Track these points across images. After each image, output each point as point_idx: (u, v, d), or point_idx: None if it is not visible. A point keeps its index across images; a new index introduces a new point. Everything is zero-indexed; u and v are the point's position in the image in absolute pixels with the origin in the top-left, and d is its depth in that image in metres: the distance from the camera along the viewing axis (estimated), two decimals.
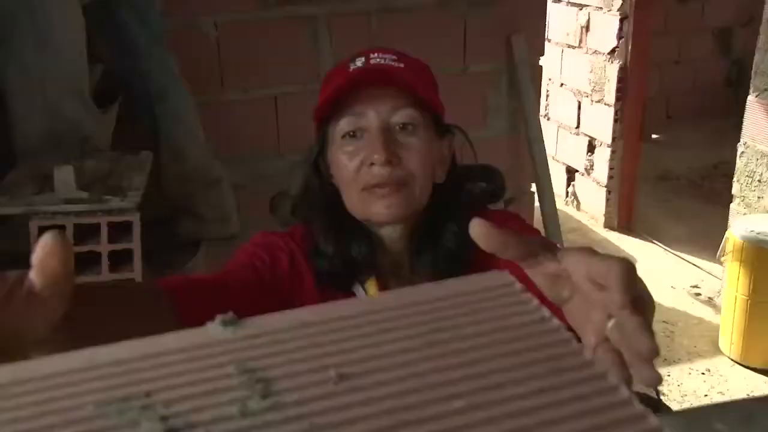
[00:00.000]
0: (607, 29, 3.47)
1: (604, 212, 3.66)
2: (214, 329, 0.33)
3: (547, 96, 3.96)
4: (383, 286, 0.92)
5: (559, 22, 3.76)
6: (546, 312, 0.38)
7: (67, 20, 1.41)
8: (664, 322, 2.78)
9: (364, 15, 2.19)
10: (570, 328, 0.59)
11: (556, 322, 0.37)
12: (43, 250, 0.43)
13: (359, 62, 0.90)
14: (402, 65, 0.90)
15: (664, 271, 3.16)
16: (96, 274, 1.07)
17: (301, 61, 2.18)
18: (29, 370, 0.31)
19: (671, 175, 4.25)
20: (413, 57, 0.95)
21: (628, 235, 3.59)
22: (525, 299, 0.39)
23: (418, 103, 0.90)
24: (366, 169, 0.88)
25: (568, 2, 3.70)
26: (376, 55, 0.91)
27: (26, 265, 1.16)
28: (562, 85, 3.88)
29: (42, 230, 1.05)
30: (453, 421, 0.29)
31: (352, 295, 0.91)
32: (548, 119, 3.97)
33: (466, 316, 0.37)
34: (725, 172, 3.57)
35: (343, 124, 0.89)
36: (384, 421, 0.29)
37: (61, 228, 1.04)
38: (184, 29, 2.00)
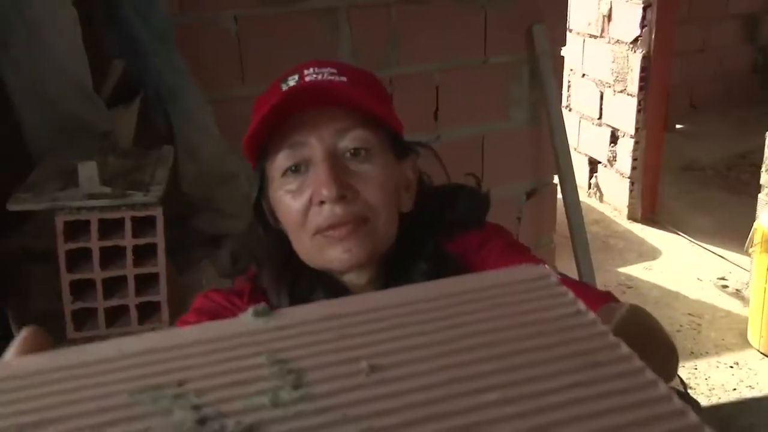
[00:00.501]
0: (629, 18, 3.42)
1: (627, 204, 3.62)
2: (246, 319, 0.33)
3: (569, 87, 3.92)
4: None
5: (580, 11, 3.72)
6: (582, 305, 0.37)
7: (57, 17, 1.42)
8: (690, 314, 2.74)
9: (384, 7, 2.17)
10: None
11: (592, 315, 0.36)
12: (24, 345, 0.38)
13: (292, 81, 0.76)
14: (344, 78, 0.76)
15: (690, 263, 3.12)
16: (120, 268, 1.07)
17: (320, 54, 2.18)
18: (58, 359, 0.31)
19: (696, 166, 4.19)
20: (356, 67, 0.83)
21: (652, 226, 3.55)
22: (560, 292, 0.38)
23: (370, 122, 0.76)
24: (315, 210, 0.74)
25: None
26: (311, 70, 0.76)
27: (48, 261, 1.16)
28: (584, 75, 3.83)
29: (67, 225, 1.06)
30: (484, 414, 0.29)
31: None
32: (570, 110, 3.93)
33: (498, 308, 0.36)
34: (752, 161, 3.51)
35: (282, 159, 0.75)
36: (415, 414, 0.28)
37: (86, 223, 1.05)
38: (204, 23, 2.01)
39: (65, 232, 1.05)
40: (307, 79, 0.75)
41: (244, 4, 2.04)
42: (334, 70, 0.77)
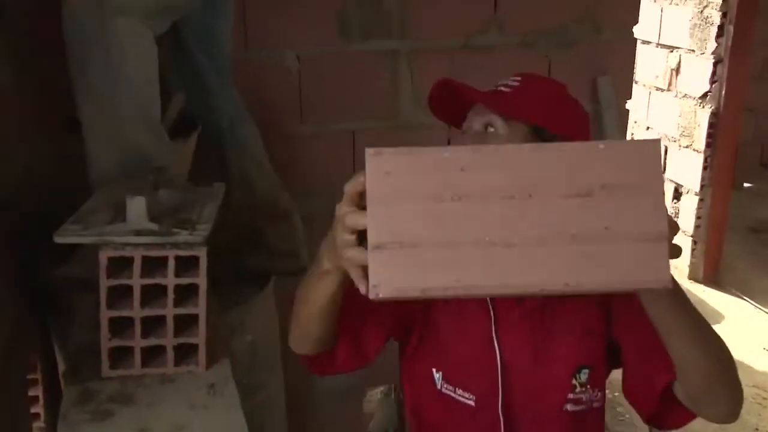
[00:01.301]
0: (699, 73, 3.33)
1: (688, 263, 3.48)
2: None
3: (632, 138, 3.83)
4: None
5: (648, 63, 3.64)
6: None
7: (139, 51, 1.43)
8: (755, 387, 2.58)
9: (446, 52, 2.15)
10: None
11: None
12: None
13: (498, 83, 1.09)
14: (506, 88, 1.06)
15: (755, 330, 2.95)
16: (161, 307, 1.05)
17: (380, 96, 2.17)
18: None
19: (763, 227, 4.00)
20: (538, 81, 1.10)
21: (715, 288, 3.39)
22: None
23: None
24: None
25: (659, 44, 3.58)
26: (505, 80, 1.08)
27: (92, 291, 1.14)
28: (648, 128, 3.74)
29: (111, 260, 1.05)
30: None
31: None
32: None
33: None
34: None
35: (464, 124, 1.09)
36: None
37: (130, 258, 1.03)
38: (266, 60, 2.02)
39: (109, 267, 1.04)
40: (498, 85, 1.08)
41: (307, 44, 2.05)
42: (513, 81, 1.07)
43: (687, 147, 3.44)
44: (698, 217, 3.42)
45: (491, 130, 1.03)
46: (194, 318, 1.08)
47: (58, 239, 1.03)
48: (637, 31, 2.35)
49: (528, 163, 0.69)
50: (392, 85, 2.17)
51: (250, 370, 1.82)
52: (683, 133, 3.46)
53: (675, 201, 3.56)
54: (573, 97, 1.11)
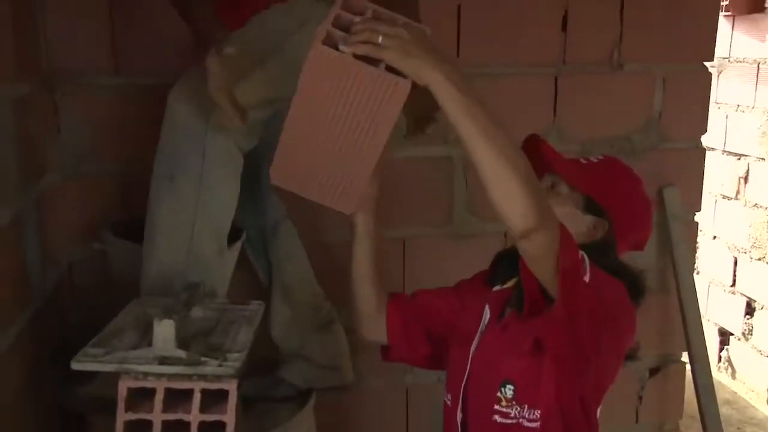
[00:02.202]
0: None
1: (767, 387, 3.20)
2: None
3: (697, 248, 3.63)
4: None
5: (713, 171, 3.49)
6: None
7: (229, 170, 1.42)
8: None
9: None
10: None
11: None
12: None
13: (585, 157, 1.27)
14: (586, 161, 1.24)
15: None
16: None
17: (433, 203, 2.08)
18: None
19: None
20: (611, 164, 1.26)
21: None
22: None
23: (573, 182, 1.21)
24: None
25: (725, 151, 3.44)
26: (592, 156, 1.26)
27: (113, 413, 1.02)
28: (714, 237, 3.54)
29: (131, 392, 0.95)
30: None
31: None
32: (698, 273, 3.61)
33: None
34: None
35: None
36: None
37: (151, 391, 0.93)
38: None
39: (128, 396, 0.94)
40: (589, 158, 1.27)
41: None
42: (595, 158, 1.25)
43: (759, 259, 3.23)
44: None
45: (553, 188, 1.21)
46: None
47: (76, 366, 0.94)
48: (703, 138, 2.24)
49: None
50: (446, 193, 2.09)
51: None
52: (754, 245, 3.26)
53: (748, 317, 3.31)
54: (640, 190, 1.26)
